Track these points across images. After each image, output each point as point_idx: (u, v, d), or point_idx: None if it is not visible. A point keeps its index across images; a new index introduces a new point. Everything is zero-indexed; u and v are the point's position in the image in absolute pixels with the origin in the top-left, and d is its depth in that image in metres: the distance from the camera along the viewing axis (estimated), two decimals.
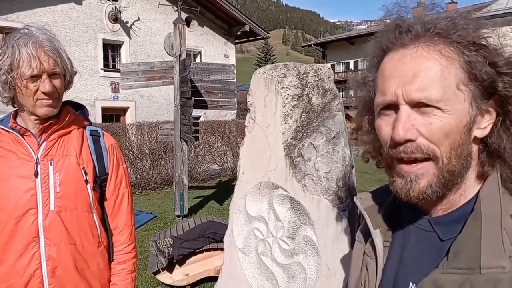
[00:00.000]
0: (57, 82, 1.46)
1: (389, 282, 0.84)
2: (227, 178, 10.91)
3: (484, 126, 0.75)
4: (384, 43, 0.80)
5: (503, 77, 0.72)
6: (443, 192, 0.76)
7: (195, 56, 15.70)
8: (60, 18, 12.76)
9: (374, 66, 0.85)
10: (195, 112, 6.58)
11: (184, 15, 8.10)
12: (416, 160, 0.75)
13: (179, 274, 4.09)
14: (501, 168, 0.76)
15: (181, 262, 4.09)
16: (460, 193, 0.78)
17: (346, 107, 1.82)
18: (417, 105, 0.73)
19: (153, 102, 14.84)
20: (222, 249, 4.04)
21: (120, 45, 14.48)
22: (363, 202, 0.94)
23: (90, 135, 1.62)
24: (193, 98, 6.26)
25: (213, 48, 16.62)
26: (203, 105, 6.83)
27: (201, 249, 4.16)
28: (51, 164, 1.49)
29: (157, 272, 4.03)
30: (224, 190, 9.00)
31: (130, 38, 14.44)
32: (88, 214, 1.55)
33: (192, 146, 10.00)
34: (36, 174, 1.46)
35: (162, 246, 3.97)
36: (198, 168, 10.55)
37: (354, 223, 1.69)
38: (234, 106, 7.35)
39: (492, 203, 0.73)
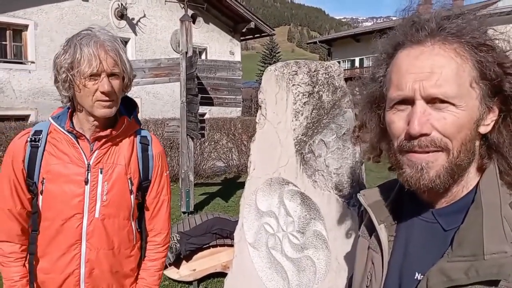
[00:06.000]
0: (115, 83, 1.46)
1: (395, 273, 0.87)
2: (232, 175, 10.93)
3: (488, 123, 0.80)
4: (398, 39, 0.83)
5: (509, 77, 0.76)
6: (449, 183, 0.79)
7: (200, 53, 15.71)
8: (67, 14, 12.80)
9: (384, 62, 0.88)
10: (201, 109, 6.60)
11: (190, 12, 8.11)
12: (428, 152, 0.78)
13: (186, 270, 4.11)
14: (499, 161, 0.81)
15: (188, 257, 4.11)
16: (463, 185, 0.82)
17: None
18: (432, 101, 0.76)
19: (158, 99, 14.87)
20: (229, 245, 4.07)
21: (126, 42, 14.51)
22: (367, 198, 0.98)
23: (140, 142, 1.63)
24: (199, 95, 6.27)
25: (218, 45, 16.61)
26: (209, 102, 6.84)
27: (208, 245, 4.18)
28: (101, 173, 1.52)
29: (165, 267, 4.05)
30: (229, 187, 9.02)
31: (136, 35, 14.47)
32: (128, 221, 1.59)
33: (198, 143, 10.03)
34: (86, 182, 1.50)
35: (170, 241, 3.99)
36: (204, 165, 10.56)
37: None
38: (240, 103, 7.35)
39: (491, 193, 0.77)
